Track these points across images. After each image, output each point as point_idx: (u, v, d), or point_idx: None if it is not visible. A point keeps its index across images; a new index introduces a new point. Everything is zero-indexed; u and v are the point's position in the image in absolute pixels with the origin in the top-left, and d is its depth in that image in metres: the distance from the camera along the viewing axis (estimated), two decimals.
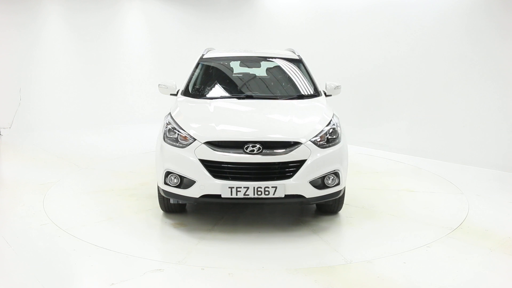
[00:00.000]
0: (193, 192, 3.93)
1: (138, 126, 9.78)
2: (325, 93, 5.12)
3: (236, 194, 3.82)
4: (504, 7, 6.31)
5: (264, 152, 3.85)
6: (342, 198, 4.47)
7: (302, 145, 3.93)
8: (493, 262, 3.68)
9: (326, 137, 4.10)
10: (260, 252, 3.77)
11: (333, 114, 4.44)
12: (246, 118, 4.43)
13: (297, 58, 5.47)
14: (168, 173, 4.05)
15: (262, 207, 4.76)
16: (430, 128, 7.27)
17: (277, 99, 4.76)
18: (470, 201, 5.12)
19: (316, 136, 4.04)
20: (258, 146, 3.85)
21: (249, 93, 4.94)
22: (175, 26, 10.62)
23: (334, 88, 5.16)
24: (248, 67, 5.70)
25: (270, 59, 5.56)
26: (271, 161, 3.85)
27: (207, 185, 3.87)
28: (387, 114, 7.81)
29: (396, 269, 3.51)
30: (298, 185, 3.88)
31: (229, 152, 3.86)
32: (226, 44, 9.04)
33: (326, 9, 8.54)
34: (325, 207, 4.56)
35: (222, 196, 3.85)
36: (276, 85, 5.32)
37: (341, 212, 4.65)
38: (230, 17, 10.20)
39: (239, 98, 4.81)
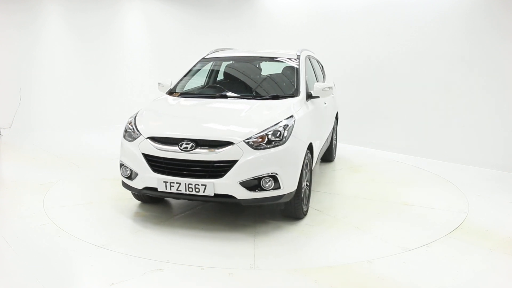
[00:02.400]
0: (137, 184, 4.18)
1: None
2: (310, 95, 4.94)
3: (170, 189, 3.97)
4: (504, 7, 6.32)
5: (197, 150, 3.91)
6: (297, 203, 4.27)
7: (235, 145, 3.89)
8: (493, 262, 3.68)
9: (266, 138, 3.97)
10: (180, 249, 3.83)
11: (292, 115, 4.25)
12: (193, 116, 4.49)
13: (294, 58, 5.36)
14: (121, 165, 4.35)
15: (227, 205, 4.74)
16: (430, 128, 7.27)
17: (249, 99, 4.72)
18: (470, 201, 5.12)
19: (251, 137, 3.94)
20: (191, 144, 3.92)
21: (224, 93, 4.96)
22: (175, 26, 10.61)
23: (322, 90, 4.94)
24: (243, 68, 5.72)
25: (266, 60, 5.55)
26: (202, 159, 3.90)
27: (146, 178, 4.08)
28: (387, 114, 7.81)
29: (396, 269, 3.51)
30: (228, 185, 3.86)
31: (166, 148, 4.00)
32: (226, 44, 9.02)
33: (326, 9, 8.54)
34: (283, 211, 4.42)
35: (158, 189, 4.03)
36: (258, 85, 5.30)
37: (305, 219, 4.47)
38: (230, 17, 10.19)
39: (212, 97, 4.91)
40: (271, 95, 4.79)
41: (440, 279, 3.36)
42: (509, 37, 6.30)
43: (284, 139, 4.03)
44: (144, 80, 10.38)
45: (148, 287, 3.21)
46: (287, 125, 4.12)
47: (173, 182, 3.95)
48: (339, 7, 8.31)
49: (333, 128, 6.49)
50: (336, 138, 7.00)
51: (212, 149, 3.90)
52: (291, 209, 4.33)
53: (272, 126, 4.06)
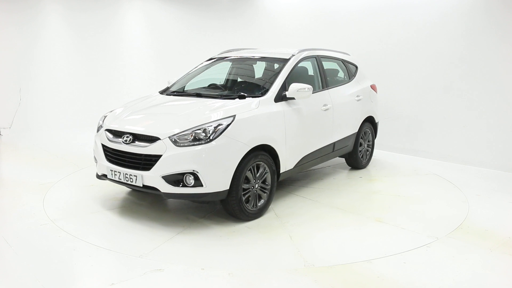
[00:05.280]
0: (98, 170, 4.64)
1: None
2: (284, 96, 4.77)
3: (114, 177, 4.36)
4: (504, 7, 6.32)
5: (135, 143, 4.22)
6: (233, 203, 4.21)
7: (160, 140, 4.09)
8: (493, 262, 3.68)
9: (192, 136, 4.05)
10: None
11: (233, 115, 4.21)
12: (146, 113, 4.75)
13: (286, 58, 5.22)
14: (94, 154, 4.81)
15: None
16: (430, 128, 7.27)
17: (217, 98, 4.78)
18: (470, 201, 5.12)
19: (176, 134, 4.07)
20: (130, 137, 4.25)
21: (199, 92, 5.15)
22: (175, 26, 10.61)
23: (297, 91, 4.71)
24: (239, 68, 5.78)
25: (260, 60, 5.56)
26: (135, 152, 4.20)
27: (101, 165, 4.54)
28: (387, 114, 7.81)
29: (396, 269, 3.51)
30: (153, 178, 4.08)
31: (114, 139, 4.41)
32: (226, 44, 9.02)
33: (326, 9, 8.54)
34: (226, 211, 4.41)
35: (108, 176, 4.45)
36: (237, 85, 5.41)
37: (254, 221, 4.39)
38: (230, 17, 10.19)
39: (187, 95, 5.16)
40: (237, 94, 4.79)
41: (440, 279, 3.36)
42: (508, 38, 6.30)
43: (209, 138, 4.06)
44: (144, 79, 10.38)
45: (148, 287, 3.22)
46: (221, 124, 4.13)
47: (116, 171, 4.32)
48: (339, 7, 8.30)
49: (357, 133, 6.13)
50: (370, 145, 6.60)
51: (145, 143, 4.16)
52: (229, 208, 4.32)
53: (201, 124, 4.12)
